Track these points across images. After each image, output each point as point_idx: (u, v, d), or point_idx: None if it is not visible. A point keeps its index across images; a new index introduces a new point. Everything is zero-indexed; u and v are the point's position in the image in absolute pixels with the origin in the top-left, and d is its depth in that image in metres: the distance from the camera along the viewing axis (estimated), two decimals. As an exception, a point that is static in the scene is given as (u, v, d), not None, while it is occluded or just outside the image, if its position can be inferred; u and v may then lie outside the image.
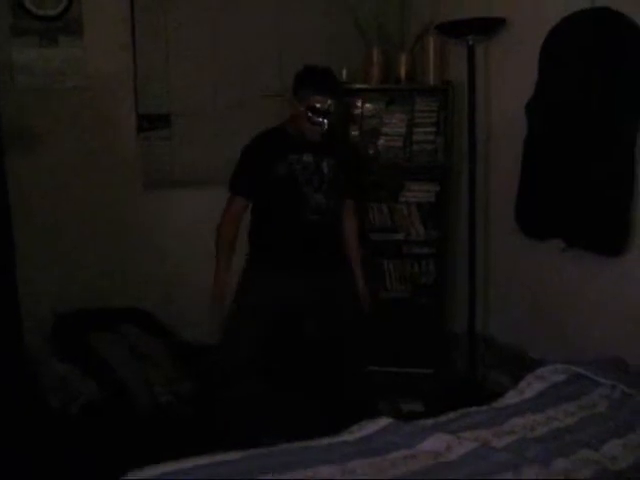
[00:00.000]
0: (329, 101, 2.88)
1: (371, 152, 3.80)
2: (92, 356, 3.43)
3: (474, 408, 2.21)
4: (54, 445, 2.99)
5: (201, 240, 3.85)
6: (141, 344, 3.59)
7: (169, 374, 3.48)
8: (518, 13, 3.25)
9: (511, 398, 2.30)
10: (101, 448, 2.92)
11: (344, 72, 3.70)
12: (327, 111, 2.88)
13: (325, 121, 2.89)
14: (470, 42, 3.29)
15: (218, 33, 3.87)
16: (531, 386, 2.33)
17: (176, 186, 3.89)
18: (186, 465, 1.77)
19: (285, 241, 3.03)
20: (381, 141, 3.81)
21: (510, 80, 3.39)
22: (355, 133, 3.80)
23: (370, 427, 2.05)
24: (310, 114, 2.88)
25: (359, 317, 3.18)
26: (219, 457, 1.82)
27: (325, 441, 1.96)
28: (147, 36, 3.78)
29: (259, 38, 3.92)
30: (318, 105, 2.86)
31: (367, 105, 3.80)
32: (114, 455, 2.86)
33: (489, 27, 3.28)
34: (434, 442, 1.92)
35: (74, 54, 3.65)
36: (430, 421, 2.12)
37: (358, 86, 3.77)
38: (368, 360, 3.40)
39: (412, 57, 3.75)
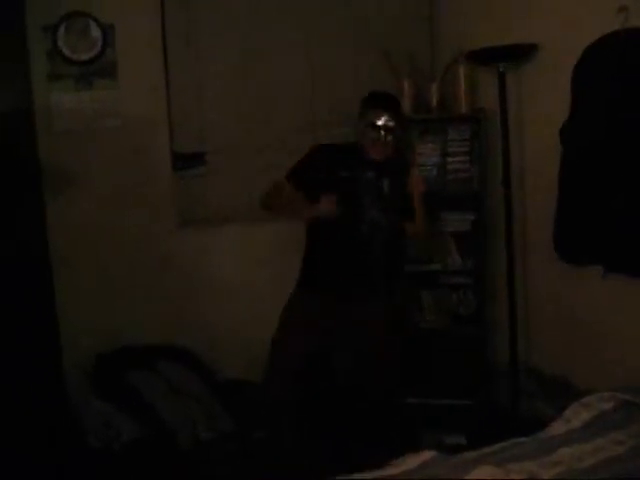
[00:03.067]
0: (386, 116, 2.96)
1: (405, 183, 3.79)
2: (132, 394, 3.43)
3: (519, 439, 2.16)
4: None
5: (237, 276, 3.89)
6: (181, 381, 3.59)
7: (210, 411, 3.46)
8: (549, 38, 3.23)
9: (557, 428, 2.24)
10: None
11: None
12: (385, 127, 2.96)
13: (384, 135, 2.96)
14: (501, 69, 3.28)
15: (250, 72, 3.92)
16: (577, 415, 2.26)
17: (211, 223, 3.91)
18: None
19: (335, 258, 3.03)
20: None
21: (543, 105, 3.36)
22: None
23: (414, 460, 2.01)
24: (370, 130, 2.96)
25: (389, 350, 3.17)
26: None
27: (369, 475, 1.92)
28: (181, 76, 3.85)
29: (291, 75, 3.96)
30: (377, 121, 2.95)
31: (400, 136, 3.80)
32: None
33: (520, 53, 3.27)
34: (480, 474, 1.87)
35: (109, 96, 3.73)
36: (474, 453, 2.07)
37: (390, 117, 3.77)
38: (399, 390, 3.35)
39: (443, 86, 3.75)
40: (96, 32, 3.68)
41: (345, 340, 3.23)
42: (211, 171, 3.93)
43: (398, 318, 3.25)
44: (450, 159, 3.77)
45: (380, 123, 2.96)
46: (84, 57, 3.69)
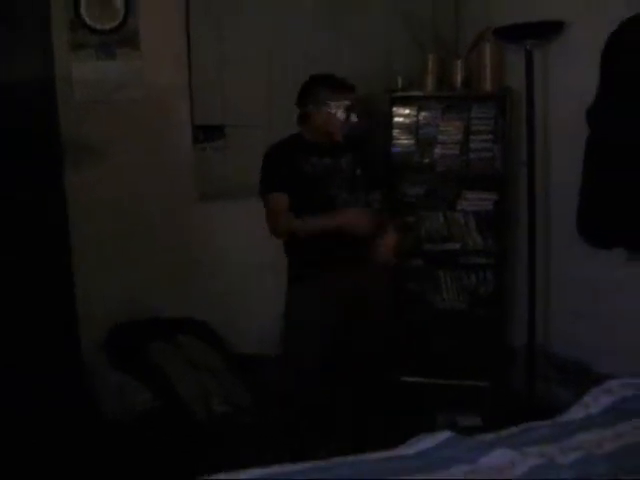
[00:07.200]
0: (352, 95, 2.97)
1: (427, 161, 3.75)
2: (148, 365, 3.44)
3: (537, 422, 2.13)
4: (108, 454, 3.02)
5: (256, 250, 3.86)
6: (197, 354, 3.59)
7: (225, 385, 3.47)
8: (577, 16, 3.17)
9: (576, 412, 2.20)
10: (155, 458, 2.93)
11: (399, 80, 3.67)
12: (352, 106, 2.95)
13: (351, 115, 2.95)
14: (528, 47, 3.22)
15: (274, 44, 3.87)
16: (597, 400, 2.22)
17: (231, 197, 3.87)
18: (241, 477, 1.73)
19: (318, 242, 2.94)
20: (437, 149, 3.75)
21: (570, 85, 3.30)
22: (411, 142, 3.75)
23: (429, 441, 1.98)
24: (335, 111, 2.93)
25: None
26: (274, 469, 1.78)
27: (383, 454, 1.90)
28: (202, 48, 3.80)
29: (315, 49, 3.90)
30: (344, 102, 2.94)
31: (423, 113, 3.74)
32: (168, 465, 2.87)
33: (547, 31, 3.21)
34: (497, 457, 1.84)
35: (131, 66, 3.69)
36: (491, 435, 2.04)
37: (413, 94, 3.72)
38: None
39: (468, 63, 3.68)
40: (118, 1, 3.65)
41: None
42: (231, 145, 3.90)
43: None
44: (473, 137, 3.71)
45: (348, 104, 2.95)
46: (106, 26, 3.65)
